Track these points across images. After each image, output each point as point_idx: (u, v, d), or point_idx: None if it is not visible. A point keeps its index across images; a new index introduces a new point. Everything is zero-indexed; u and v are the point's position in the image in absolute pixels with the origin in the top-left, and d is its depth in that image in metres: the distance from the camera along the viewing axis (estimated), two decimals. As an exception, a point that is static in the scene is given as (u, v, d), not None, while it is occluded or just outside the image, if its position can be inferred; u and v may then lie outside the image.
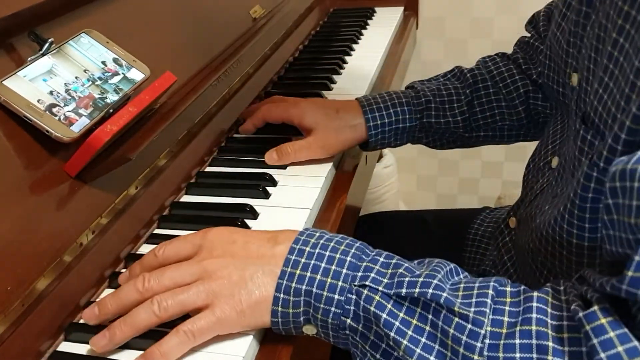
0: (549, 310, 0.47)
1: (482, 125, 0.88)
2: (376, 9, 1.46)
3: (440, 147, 0.92)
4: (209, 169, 0.84)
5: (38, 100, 0.61)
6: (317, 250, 0.53)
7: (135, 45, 0.76)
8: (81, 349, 0.56)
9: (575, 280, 0.50)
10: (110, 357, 0.55)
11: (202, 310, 0.52)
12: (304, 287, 0.52)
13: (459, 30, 1.78)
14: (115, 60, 0.72)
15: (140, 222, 0.70)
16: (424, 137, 0.89)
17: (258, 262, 0.54)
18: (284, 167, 0.82)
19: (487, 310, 0.47)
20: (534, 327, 0.46)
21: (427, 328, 0.48)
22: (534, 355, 0.45)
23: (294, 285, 0.52)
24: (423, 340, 0.48)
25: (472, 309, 0.47)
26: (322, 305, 0.51)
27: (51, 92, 0.63)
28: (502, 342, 0.46)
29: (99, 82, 0.68)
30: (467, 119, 0.87)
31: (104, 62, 0.71)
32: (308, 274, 0.52)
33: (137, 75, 0.72)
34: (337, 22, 1.41)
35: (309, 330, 0.54)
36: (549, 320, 0.46)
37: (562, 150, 0.69)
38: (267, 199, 0.76)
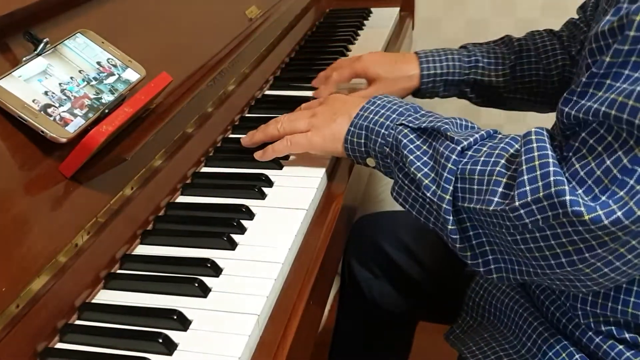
0: (519, 139, 0.62)
1: (519, 88, 1.02)
2: (372, 9, 1.46)
3: (482, 105, 1.08)
4: (204, 169, 0.84)
5: (33, 101, 0.61)
6: (383, 103, 0.76)
7: (130, 46, 0.76)
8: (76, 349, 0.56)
9: None
10: (110, 353, 0.55)
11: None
12: (365, 123, 0.75)
13: (454, 31, 1.77)
14: (110, 61, 0.72)
15: (135, 222, 0.70)
16: (469, 91, 1.05)
17: (347, 109, 0.79)
18: (280, 167, 0.82)
19: (471, 140, 0.66)
20: (499, 144, 0.63)
21: (430, 151, 0.68)
22: (492, 159, 0.62)
23: (360, 122, 0.76)
24: (424, 158, 0.68)
25: (460, 136, 0.66)
26: (373, 137, 0.74)
27: (46, 93, 0.63)
28: (475, 158, 0.64)
29: (94, 83, 0.68)
30: (508, 80, 1.02)
31: (99, 63, 0.70)
32: (371, 116, 0.75)
33: (132, 75, 0.72)
34: (334, 22, 1.41)
35: (370, 162, 0.77)
36: (514, 144, 0.63)
37: None
38: (263, 199, 0.76)
